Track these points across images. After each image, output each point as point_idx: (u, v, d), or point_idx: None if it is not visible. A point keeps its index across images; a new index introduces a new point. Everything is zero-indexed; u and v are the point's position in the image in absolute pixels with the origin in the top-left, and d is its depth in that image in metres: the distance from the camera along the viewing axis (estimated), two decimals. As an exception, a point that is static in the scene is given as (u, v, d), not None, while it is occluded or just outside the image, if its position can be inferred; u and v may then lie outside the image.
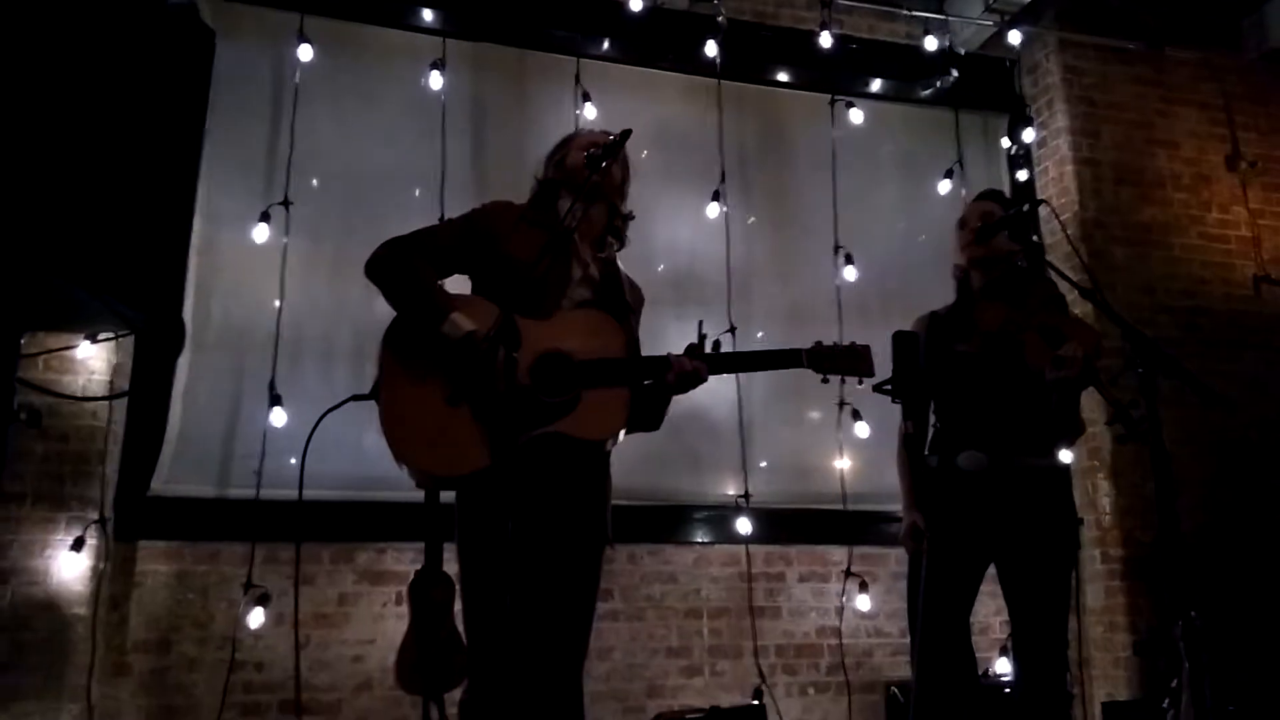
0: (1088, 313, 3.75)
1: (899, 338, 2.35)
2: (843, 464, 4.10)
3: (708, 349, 2.19)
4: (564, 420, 2.08)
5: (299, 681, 3.31)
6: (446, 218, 3.88)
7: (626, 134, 2.17)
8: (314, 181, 3.94)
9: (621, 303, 2.29)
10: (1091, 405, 4.08)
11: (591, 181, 2.20)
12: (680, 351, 2.18)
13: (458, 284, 2.29)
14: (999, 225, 2.76)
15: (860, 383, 2.29)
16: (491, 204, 2.35)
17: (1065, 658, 2.76)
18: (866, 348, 2.28)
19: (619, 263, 2.42)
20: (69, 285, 1.73)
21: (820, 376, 2.25)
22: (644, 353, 2.24)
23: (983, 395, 2.74)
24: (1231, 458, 4.43)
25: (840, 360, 2.25)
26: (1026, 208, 3.23)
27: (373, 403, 2.19)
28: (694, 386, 2.18)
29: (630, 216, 2.41)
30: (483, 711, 2.11)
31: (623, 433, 2.17)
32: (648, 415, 2.26)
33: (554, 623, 2.10)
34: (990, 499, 2.70)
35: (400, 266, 2.17)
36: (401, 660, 3.17)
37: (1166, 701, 3.34)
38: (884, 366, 2.46)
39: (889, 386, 2.25)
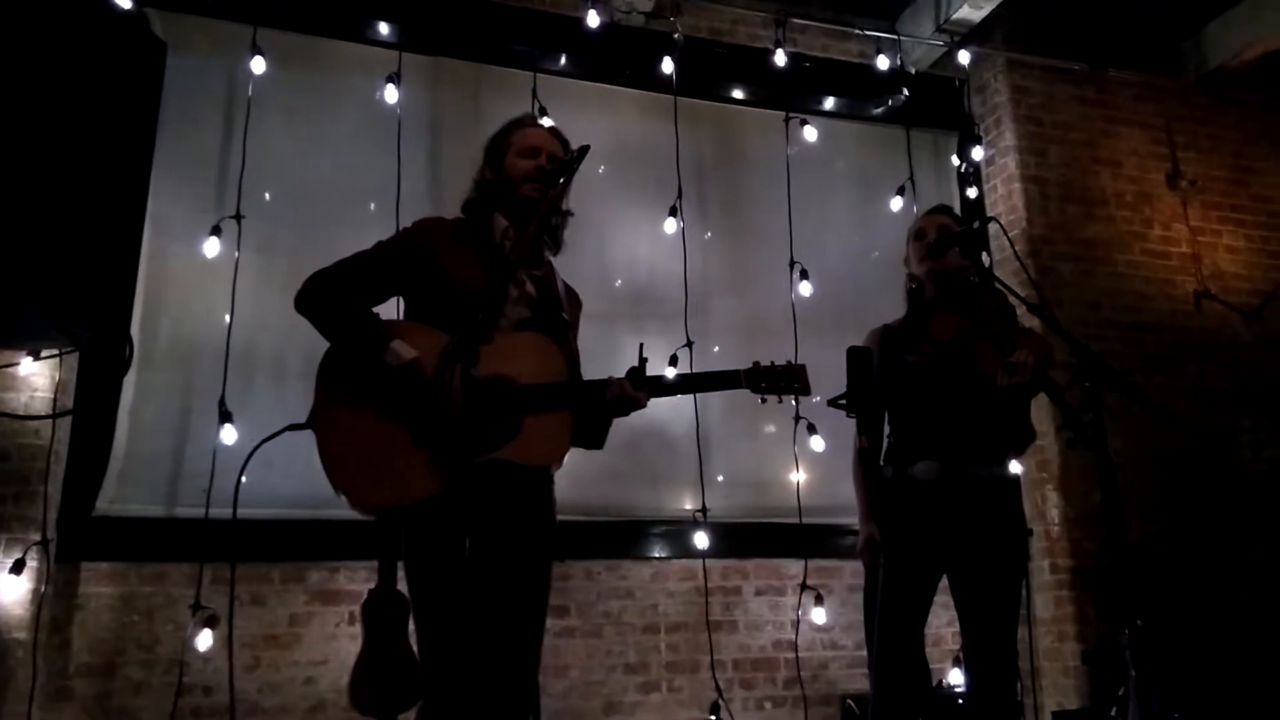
0: (1036, 326, 3.82)
1: (853, 353, 2.39)
2: (799, 478, 4.13)
3: (656, 370, 2.20)
4: (508, 446, 2.07)
5: (233, 704, 3.25)
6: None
7: (584, 150, 2.15)
8: (266, 195, 3.89)
9: (559, 320, 2.28)
10: (1040, 417, 4.16)
11: (547, 198, 2.17)
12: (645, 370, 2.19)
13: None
14: (951, 241, 2.82)
15: (815, 398, 2.31)
16: (422, 221, 2.31)
17: (1015, 667, 2.80)
18: (802, 367, 2.30)
19: (555, 271, 2.41)
20: (12, 302, 1.68)
21: (759, 398, 2.26)
22: (597, 366, 2.23)
23: (936, 405, 2.78)
24: (1175, 469, 4.54)
25: (777, 379, 2.26)
26: (977, 225, 3.28)
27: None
28: (632, 410, 2.18)
29: (569, 214, 2.38)
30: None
31: (566, 456, 2.18)
32: (590, 435, 2.27)
33: (508, 641, 2.09)
34: (943, 508, 2.74)
35: (331, 298, 2.13)
36: (355, 680, 3.12)
37: (1114, 710, 3.41)
38: (838, 381, 2.50)
39: (844, 401, 2.28)
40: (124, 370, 2.60)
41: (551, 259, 2.41)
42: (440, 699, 2.10)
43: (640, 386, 2.15)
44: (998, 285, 2.72)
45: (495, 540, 2.09)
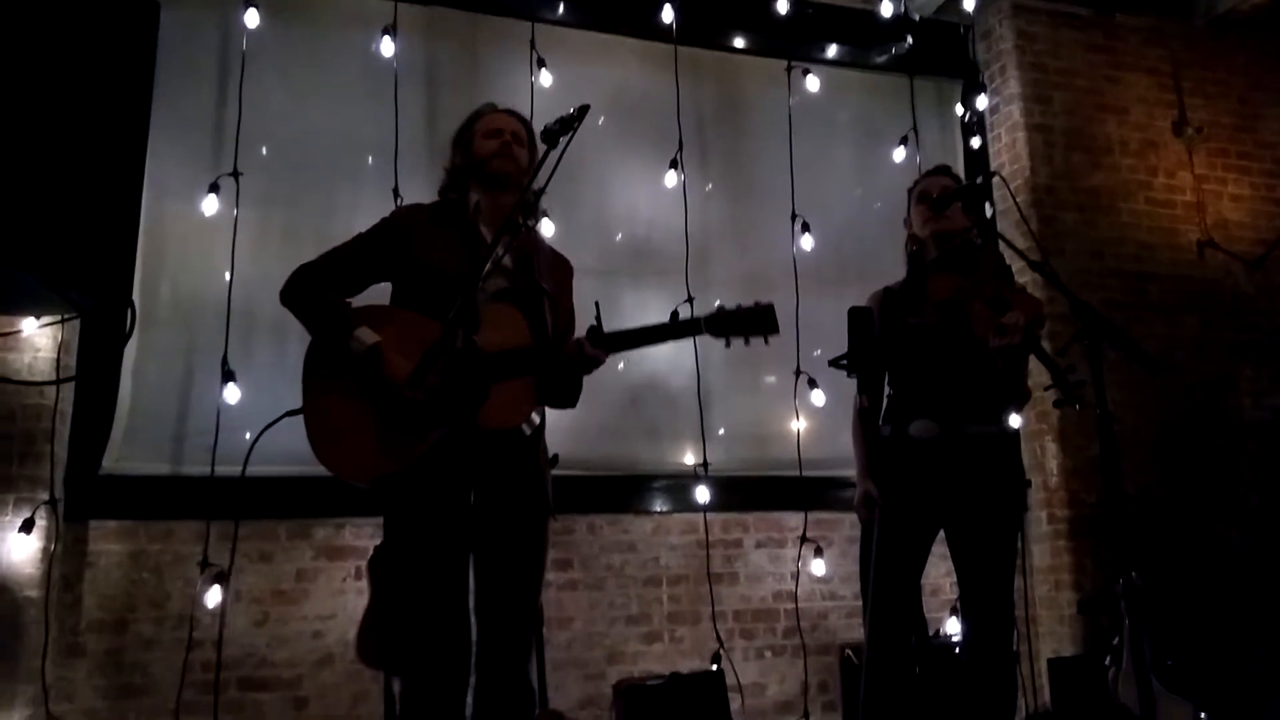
0: (1035, 280, 3.82)
1: (854, 314, 2.39)
2: (799, 426, 4.14)
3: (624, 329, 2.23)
4: (478, 412, 2.14)
5: (220, 659, 3.31)
6: (399, 186, 3.86)
7: (585, 110, 2.14)
8: (263, 150, 3.85)
9: (535, 288, 2.33)
10: (1040, 370, 4.17)
11: (492, 173, 2.31)
12: (645, 322, 2.22)
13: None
14: (953, 197, 2.80)
15: (816, 353, 2.29)
16: (399, 209, 2.46)
17: (1012, 618, 2.84)
18: (769, 305, 2.23)
19: (540, 239, 2.48)
20: (13, 270, 1.68)
21: (724, 343, 2.21)
22: (601, 323, 2.24)
23: (934, 365, 2.80)
24: (1175, 419, 4.55)
25: (743, 322, 2.20)
26: (980, 180, 3.26)
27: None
28: (590, 369, 2.23)
29: (542, 191, 2.39)
30: (428, 697, 2.13)
31: (535, 415, 2.26)
32: (560, 395, 2.33)
33: (499, 605, 2.19)
34: (940, 466, 2.77)
35: (306, 291, 2.28)
36: (363, 635, 3.19)
37: (1109, 658, 3.47)
38: (839, 334, 2.51)
39: (845, 361, 2.28)
40: (126, 338, 2.59)
41: (536, 228, 2.49)
42: (419, 661, 2.14)
43: (598, 345, 2.19)
44: (1000, 242, 2.71)
45: (480, 503, 2.17)
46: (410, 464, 2.12)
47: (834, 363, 2.28)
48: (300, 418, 2.26)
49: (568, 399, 2.36)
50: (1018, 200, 4.55)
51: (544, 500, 2.29)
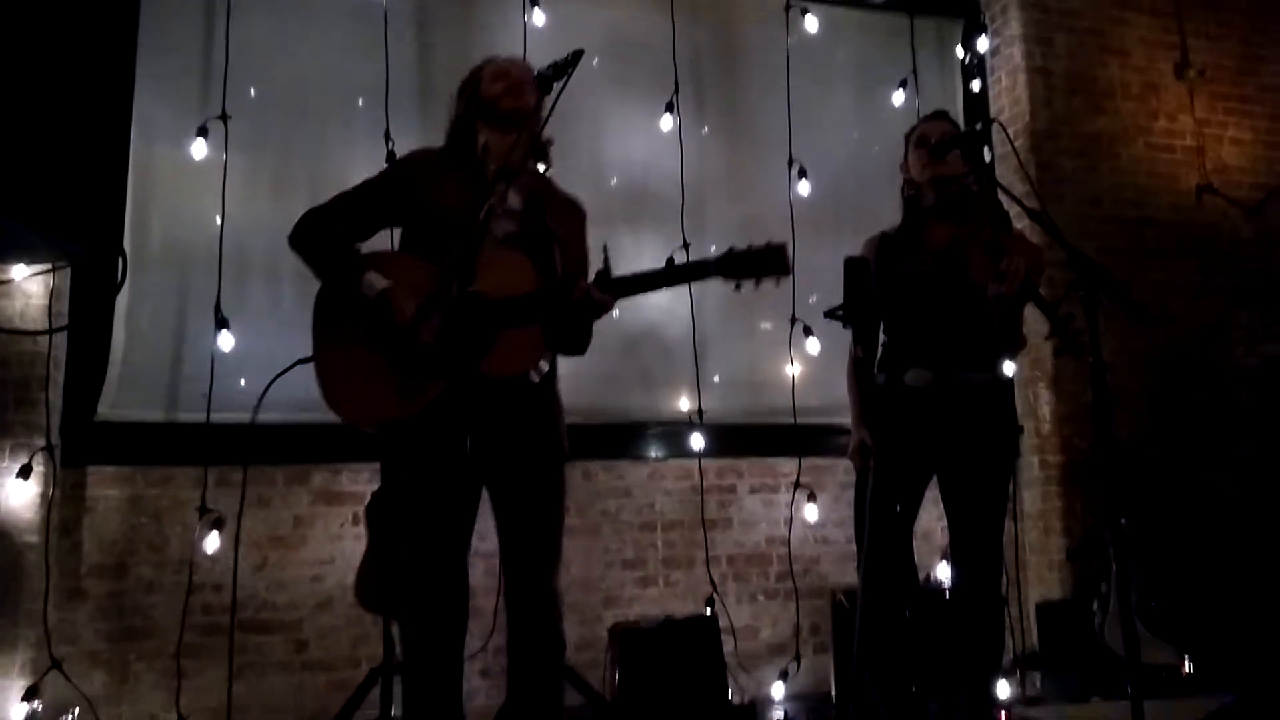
0: (1032, 228, 3.79)
1: (850, 264, 2.38)
2: (794, 372, 4.14)
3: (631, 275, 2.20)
4: (484, 361, 2.13)
5: (235, 600, 3.35)
6: (390, 128, 3.80)
7: (579, 55, 2.12)
8: (251, 92, 3.78)
9: (544, 231, 2.29)
10: (1035, 317, 4.16)
11: (502, 111, 2.25)
12: (641, 269, 2.19)
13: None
14: (953, 143, 2.77)
15: (811, 300, 2.27)
16: (410, 153, 2.40)
17: (1000, 564, 2.89)
18: (781, 245, 2.14)
19: (552, 183, 2.44)
20: (3, 219, 1.66)
21: (734, 286, 2.14)
22: (609, 267, 2.22)
23: (930, 313, 2.79)
24: (1169, 366, 4.57)
25: (753, 263, 2.12)
26: (979, 127, 3.22)
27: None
28: (598, 315, 2.19)
29: (550, 142, 2.40)
30: (422, 645, 2.16)
31: (544, 362, 2.24)
32: (569, 342, 2.31)
33: (528, 547, 2.21)
34: (934, 414, 2.78)
35: (315, 236, 2.24)
36: (361, 580, 3.23)
37: (1096, 604, 3.53)
38: (836, 281, 2.49)
39: (840, 312, 2.28)
40: (119, 287, 2.57)
41: (547, 171, 2.44)
42: (420, 611, 2.17)
43: (606, 289, 2.16)
44: (999, 190, 2.69)
45: (489, 451, 2.18)
46: (417, 411, 2.11)
47: (830, 314, 2.27)
48: (304, 365, 2.27)
49: (577, 345, 2.33)
50: (1017, 145, 4.51)
51: (558, 445, 2.29)
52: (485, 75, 2.36)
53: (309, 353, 3.28)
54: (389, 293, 2.12)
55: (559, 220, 2.33)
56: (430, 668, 2.16)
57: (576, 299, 2.14)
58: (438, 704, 2.16)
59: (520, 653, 2.22)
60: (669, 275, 2.24)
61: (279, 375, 2.99)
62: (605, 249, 2.19)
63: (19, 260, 2.41)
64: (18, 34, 1.73)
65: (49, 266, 2.68)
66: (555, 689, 2.28)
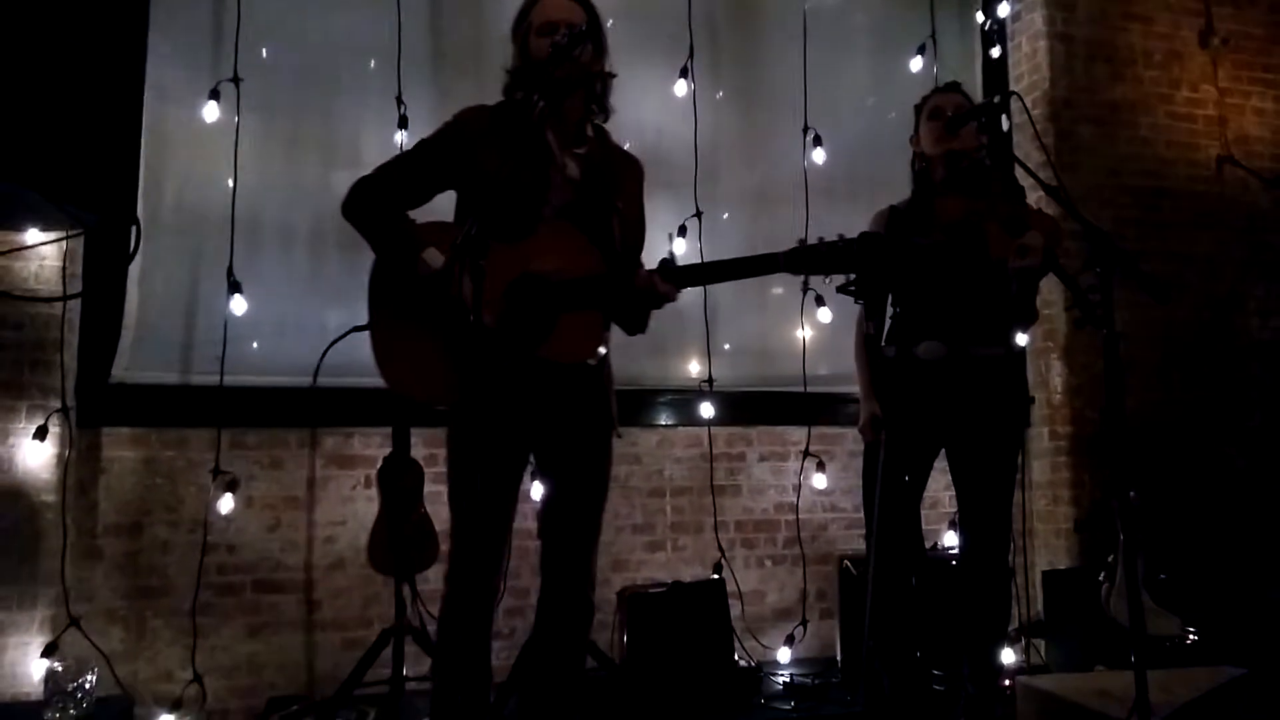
0: (1047, 201, 3.75)
1: (863, 239, 2.35)
2: (804, 335, 4.13)
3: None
4: (544, 345, 2.10)
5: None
6: (402, 91, 3.78)
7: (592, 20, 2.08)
8: (263, 53, 3.75)
9: (606, 203, 2.23)
10: (1049, 288, 4.14)
11: (555, 77, 2.11)
12: (652, 237, 2.17)
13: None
14: (969, 116, 2.74)
15: (826, 280, 2.24)
16: (462, 112, 2.26)
17: (1008, 536, 2.91)
18: (855, 240, 2.09)
19: (609, 138, 2.35)
20: (17, 187, 1.66)
21: (802, 280, 2.17)
22: (674, 256, 2.20)
23: (943, 286, 2.78)
24: (1183, 338, 4.54)
25: (824, 259, 2.07)
26: (997, 100, 3.18)
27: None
28: (659, 305, 2.17)
29: (611, 76, 2.30)
30: (467, 607, 2.16)
31: (602, 348, 2.20)
32: (630, 321, 2.28)
33: (571, 518, 2.21)
34: (945, 387, 2.79)
35: (369, 206, 2.16)
36: (374, 544, 3.27)
37: (1103, 574, 3.55)
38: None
39: (853, 287, 2.27)
40: (131, 257, 2.57)
41: (604, 126, 2.35)
42: (463, 596, 2.15)
43: (669, 279, 2.13)
44: (1016, 164, 2.66)
45: (543, 428, 2.17)
46: (476, 392, 2.04)
47: (842, 289, 2.25)
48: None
49: (638, 325, 2.30)
50: (1036, 114, 4.47)
51: (608, 422, 2.26)
52: (534, 23, 2.23)
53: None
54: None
55: (617, 180, 2.26)
56: (464, 631, 2.15)
57: (640, 288, 2.11)
58: (468, 661, 2.16)
59: (548, 621, 2.23)
60: (735, 267, 2.16)
61: (334, 342, 2.98)
62: (670, 237, 2.17)
63: (33, 226, 2.40)
64: (29, 5, 1.72)
65: (63, 234, 2.67)
66: (580, 661, 2.30)
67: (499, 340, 2.05)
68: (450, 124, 2.24)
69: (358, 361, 3.00)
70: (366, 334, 2.21)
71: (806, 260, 2.09)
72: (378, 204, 2.16)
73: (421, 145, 2.23)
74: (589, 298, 2.13)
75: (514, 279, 2.10)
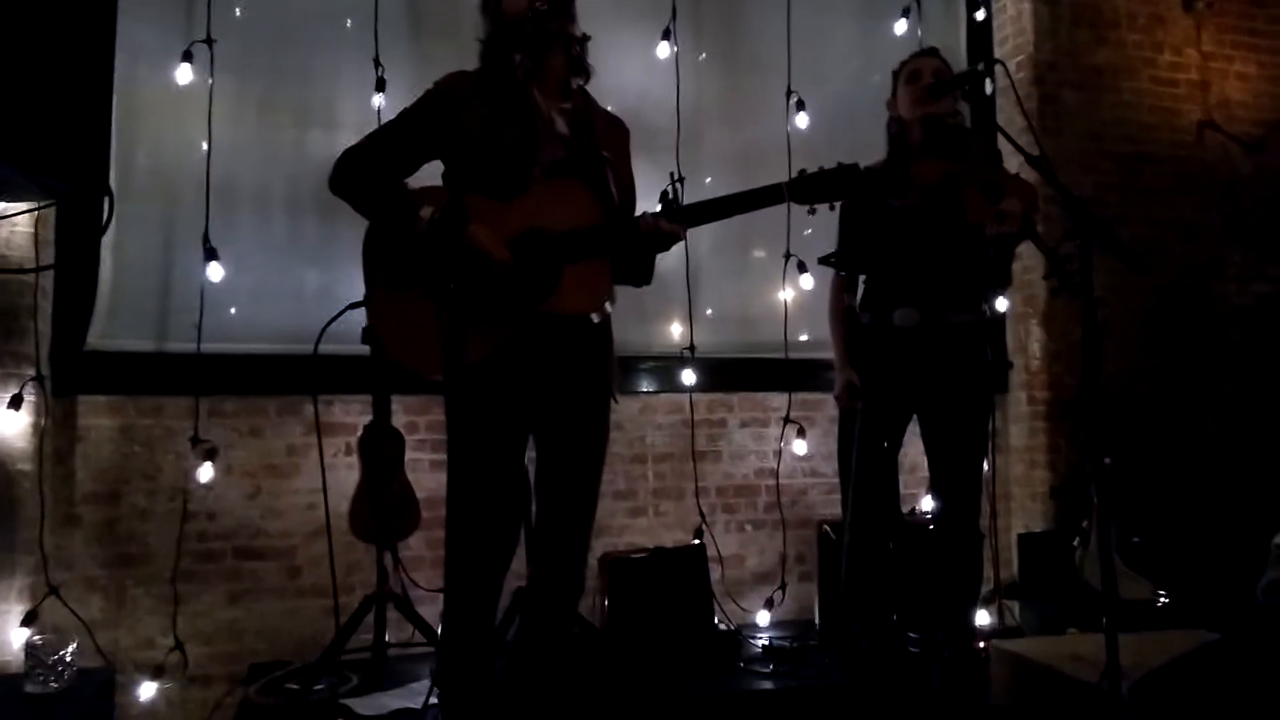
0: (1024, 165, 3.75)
1: (845, 211, 2.36)
2: (786, 300, 4.11)
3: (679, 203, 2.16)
4: (551, 299, 2.07)
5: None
6: (379, 52, 3.71)
7: None
8: (237, 12, 3.67)
9: (596, 157, 2.21)
10: (1029, 253, 4.15)
11: (538, 35, 2.10)
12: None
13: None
14: (955, 83, 2.73)
15: (809, 228, 2.23)
16: (442, 79, 2.23)
17: (979, 500, 2.94)
18: (853, 165, 2.10)
19: (592, 99, 2.33)
20: (-17, 157, 1.62)
21: (807, 208, 2.11)
22: (677, 196, 2.18)
23: (919, 251, 2.78)
24: (1160, 303, 4.58)
25: (825, 185, 2.06)
26: (981, 68, 3.17)
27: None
28: (667, 247, 2.15)
29: (586, 39, 2.28)
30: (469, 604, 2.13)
31: (608, 304, 2.16)
32: (634, 273, 2.26)
33: (567, 488, 2.18)
34: (919, 353, 2.80)
35: (358, 175, 2.13)
36: (355, 512, 3.28)
37: (1077, 540, 3.60)
38: (831, 223, 2.47)
39: (834, 259, 2.27)
40: (104, 229, 2.52)
41: (584, 86, 2.32)
42: (467, 561, 2.10)
43: (674, 219, 2.10)
44: (999, 132, 2.65)
45: (546, 392, 2.13)
46: (482, 357, 2.01)
47: (824, 260, 2.26)
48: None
49: (643, 276, 2.28)
50: (1020, 78, 4.45)
51: (607, 386, 2.24)
52: None
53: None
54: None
55: (606, 139, 2.25)
56: (470, 598, 2.11)
57: (645, 231, 2.08)
58: (474, 626, 2.13)
59: (537, 592, 2.22)
60: (739, 201, 2.11)
61: (332, 320, 2.91)
62: (672, 176, 2.15)
63: (1, 199, 2.35)
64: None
65: (34, 205, 2.61)
66: (567, 632, 2.28)
67: (507, 293, 2.02)
68: (431, 91, 2.21)
69: (338, 329, 2.99)
70: (357, 306, 2.19)
71: (810, 188, 2.07)
72: (369, 173, 2.13)
73: (404, 114, 2.21)
74: (596, 246, 2.10)
75: (518, 234, 2.07)
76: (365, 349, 2.85)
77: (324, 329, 2.95)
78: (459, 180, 2.15)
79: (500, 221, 2.07)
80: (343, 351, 3.20)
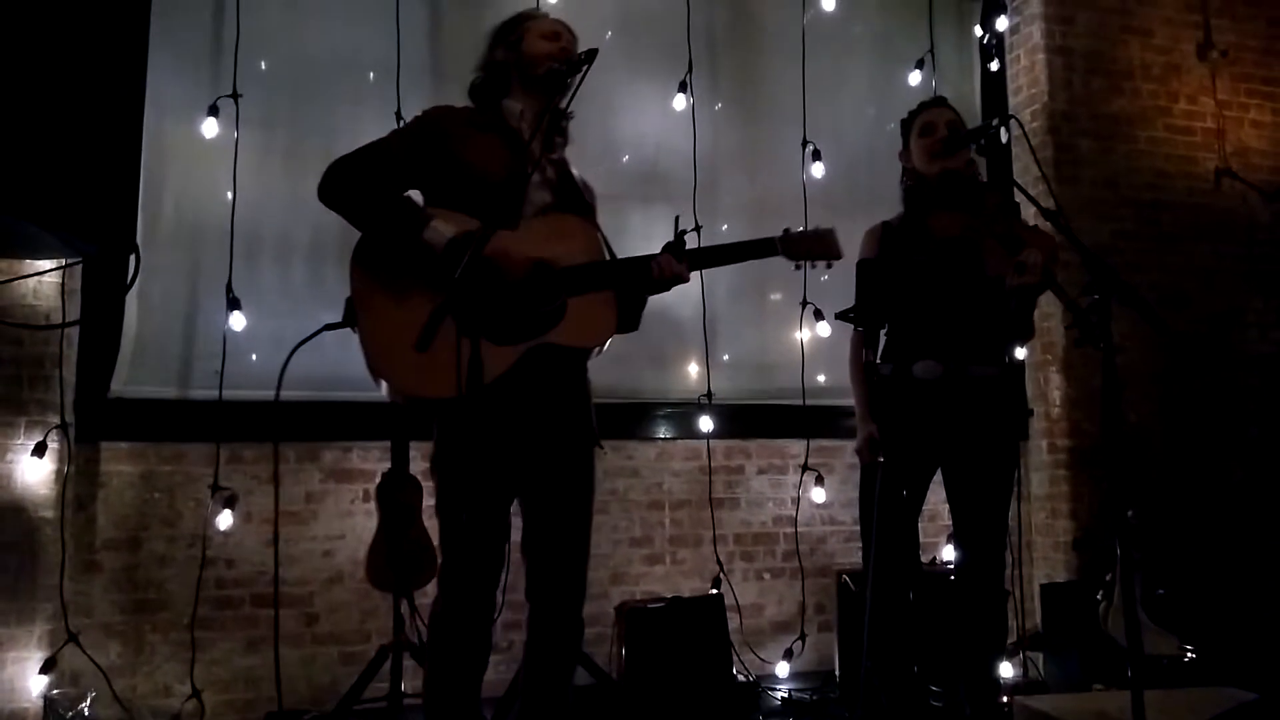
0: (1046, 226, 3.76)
1: (863, 266, 2.37)
2: (803, 347, 4.12)
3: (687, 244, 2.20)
4: (554, 330, 2.08)
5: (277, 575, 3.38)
6: (401, 106, 3.77)
7: (593, 54, 2.08)
8: (262, 65, 3.75)
9: (582, 203, 2.26)
10: (1047, 301, 4.14)
11: (554, 100, 2.13)
12: (651, 249, 2.17)
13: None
14: (969, 138, 2.74)
15: (826, 270, 2.32)
16: (432, 110, 2.23)
17: (1004, 554, 2.90)
18: (831, 230, 2.30)
19: (568, 161, 2.37)
20: (13, 219, 1.65)
21: (793, 265, 2.28)
22: (682, 240, 2.21)
23: (939, 303, 2.78)
24: (1183, 350, 4.54)
25: (809, 244, 2.26)
26: (996, 123, 3.19)
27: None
28: (671, 286, 2.17)
29: (571, 116, 2.31)
30: (456, 621, 2.12)
31: (609, 339, 2.17)
32: (627, 317, 2.26)
33: (563, 533, 2.16)
34: (941, 406, 2.78)
35: (360, 183, 2.07)
36: (372, 560, 3.27)
37: (1100, 592, 3.55)
38: (847, 264, 2.48)
39: (852, 314, 2.28)
40: (129, 286, 2.56)
41: (566, 147, 2.37)
42: (457, 590, 2.11)
43: (681, 260, 2.14)
44: (1015, 189, 2.67)
45: (542, 430, 2.12)
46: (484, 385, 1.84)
47: (842, 315, 2.28)
48: (295, 323, 2.21)
49: (633, 321, 2.29)
50: (1034, 127, 4.49)
51: (591, 430, 2.23)
52: (532, 29, 2.25)
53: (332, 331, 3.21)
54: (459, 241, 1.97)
55: (584, 198, 2.29)
56: (456, 646, 2.11)
57: (656, 269, 2.12)
58: (460, 682, 2.12)
59: (540, 640, 2.20)
60: (737, 251, 2.25)
61: (302, 342, 2.89)
62: (678, 221, 2.20)
63: (30, 256, 2.38)
64: (34, 23, 1.71)
65: (62, 262, 2.65)
66: (570, 678, 2.27)
67: (514, 319, 2.01)
68: (423, 117, 2.21)
69: (355, 375, 3.01)
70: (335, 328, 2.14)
71: (795, 245, 2.25)
72: (366, 180, 2.07)
73: (397, 134, 2.22)
74: (605, 280, 2.12)
75: (530, 263, 2.07)
76: (383, 394, 2.86)
77: (294, 351, 2.92)
78: (441, 207, 2.11)
79: (509, 247, 2.07)
80: (359, 398, 3.22)
